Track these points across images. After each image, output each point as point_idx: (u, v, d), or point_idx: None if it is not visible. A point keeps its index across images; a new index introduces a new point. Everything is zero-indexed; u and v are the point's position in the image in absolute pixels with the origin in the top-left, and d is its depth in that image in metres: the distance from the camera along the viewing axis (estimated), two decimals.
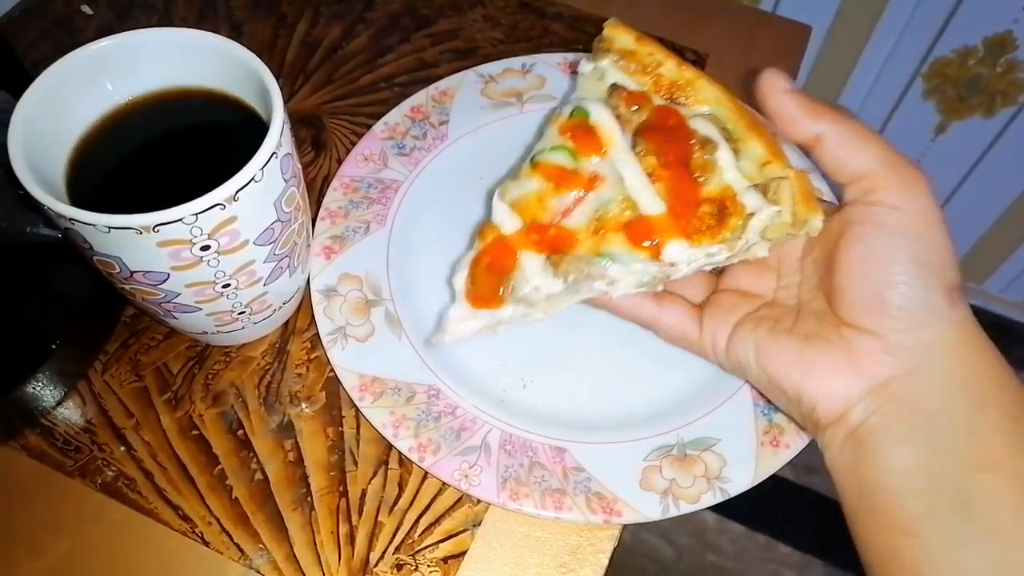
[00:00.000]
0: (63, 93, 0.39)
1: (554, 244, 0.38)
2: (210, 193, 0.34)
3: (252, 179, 0.35)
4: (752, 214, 0.37)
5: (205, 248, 0.36)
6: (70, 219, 0.34)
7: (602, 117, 0.40)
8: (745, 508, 1.21)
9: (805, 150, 0.37)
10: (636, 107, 0.40)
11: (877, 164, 0.35)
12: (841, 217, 0.36)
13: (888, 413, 0.34)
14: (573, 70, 0.57)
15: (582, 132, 0.39)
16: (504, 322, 0.39)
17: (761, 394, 0.45)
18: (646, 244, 0.37)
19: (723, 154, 0.38)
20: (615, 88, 0.40)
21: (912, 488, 0.33)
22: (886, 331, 0.34)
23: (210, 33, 0.39)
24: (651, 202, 0.38)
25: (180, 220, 0.34)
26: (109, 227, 0.34)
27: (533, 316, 0.40)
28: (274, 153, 0.36)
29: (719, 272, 0.43)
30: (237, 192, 0.35)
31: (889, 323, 0.34)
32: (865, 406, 0.35)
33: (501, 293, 0.38)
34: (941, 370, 0.34)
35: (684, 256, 0.37)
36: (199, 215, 0.34)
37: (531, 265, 0.38)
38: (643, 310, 0.41)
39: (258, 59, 0.38)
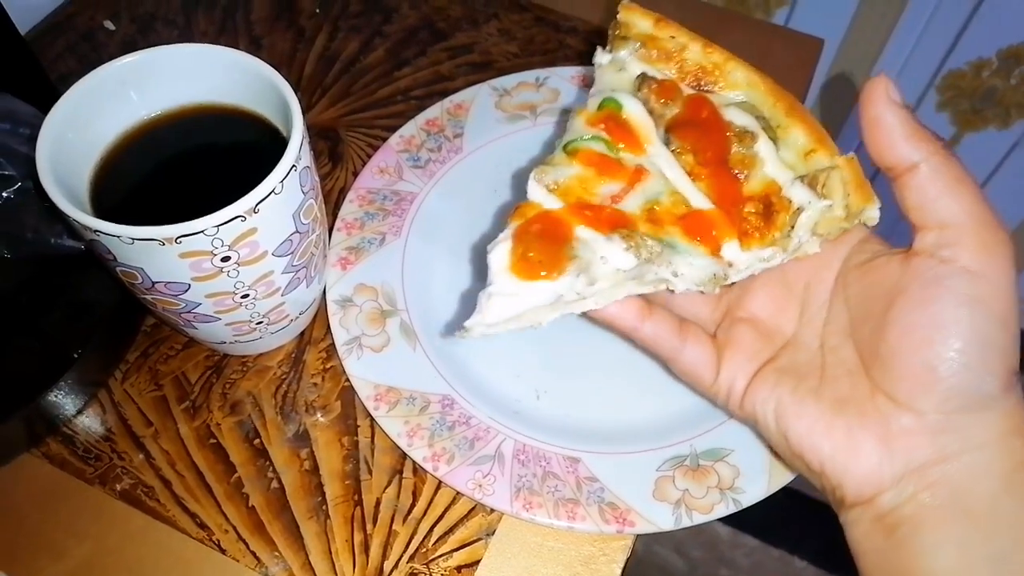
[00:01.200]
0: (89, 108, 0.40)
1: (613, 223, 0.34)
2: (231, 205, 0.35)
3: (272, 191, 0.36)
4: (800, 210, 0.34)
5: (225, 259, 0.37)
6: (95, 231, 0.35)
7: (635, 111, 0.36)
8: (760, 521, 1.20)
9: (891, 176, 0.33)
10: (666, 101, 0.36)
11: (966, 217, 0.31)
12: (905, 266, 0.32)
13: (926, 505, 0.31)
14: (586, 84, 0.58)
15: (616, 125, 0.36)
16: (555, 304, 0.34)
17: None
18: (704, 240, 0.34)
19: (763, 146, 0.35)
20: (644, 79, 0.37)
21: None
22: (930, 411, 0.31)
23: (232, 49, 0.40)
24: (700, 200, 0.35)
25: (202, 232, 0.35)
26: (133, 238, 0.34)
27: (585, 302, 0.34)
28: (293, 166, 0.37)
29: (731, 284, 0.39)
30: (257, 204, 0.36)
31: (935, 403, 0.31)
32: (898, 491, 0.31)
33: (560, 260, 0.33)
34: (987, 462, 0.30)
35: (742, 260, 0.35)
36: (220, 227, 0.35)
37: (592, 238, 0.33)
38: (664, 343, 0.37)
39: (279, 74, 0.39)
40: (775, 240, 0.35)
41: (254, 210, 0.36)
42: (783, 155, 0.35)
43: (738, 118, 0.36)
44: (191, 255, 0.36)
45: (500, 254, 0.33)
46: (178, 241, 0.35)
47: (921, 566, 0.31)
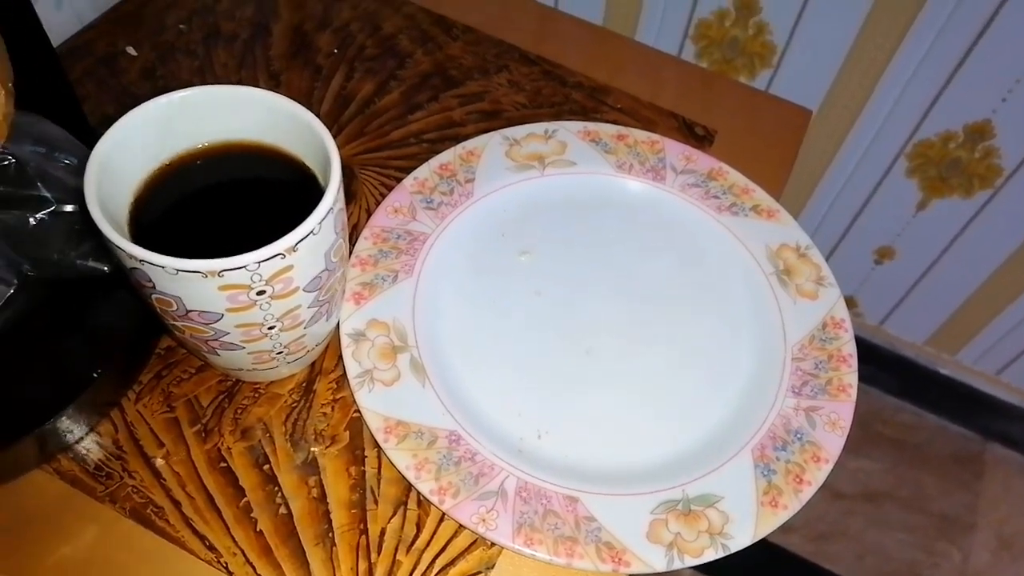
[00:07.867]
0: (134, 140, 0.41)
1: None
2: (275, 243, 0.37)
3: (311, 232, 0.38)
4: None
5: (260, 293, 0.39)
6: (140, 260, 0.36)
7: None
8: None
9: None
10: None
11: None
12: None
13: None
14: (592, 139, 0.61)
15: None
16: None
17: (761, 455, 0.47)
18: None
19: None
20: None
21: None
22: None
23: (279, 95, 0.42)
24: None
25: (244, 267, 0.37)
26: (177, 270, 0.36)
27: None
28: (331, 208, 0.39)
29: None
30: (297, 243, 0.38)
31: None
32: None
33: None
34: None
35: None
36: (262, 263, 0.37)
37: None
38: None
39: (321, 123, 0.41)
40: None
41: (294, 248, 0.38)
42: None
43: None
44: (230, 288, 0.38)
45: None
46: (220, 275, 0.37)
47: None
